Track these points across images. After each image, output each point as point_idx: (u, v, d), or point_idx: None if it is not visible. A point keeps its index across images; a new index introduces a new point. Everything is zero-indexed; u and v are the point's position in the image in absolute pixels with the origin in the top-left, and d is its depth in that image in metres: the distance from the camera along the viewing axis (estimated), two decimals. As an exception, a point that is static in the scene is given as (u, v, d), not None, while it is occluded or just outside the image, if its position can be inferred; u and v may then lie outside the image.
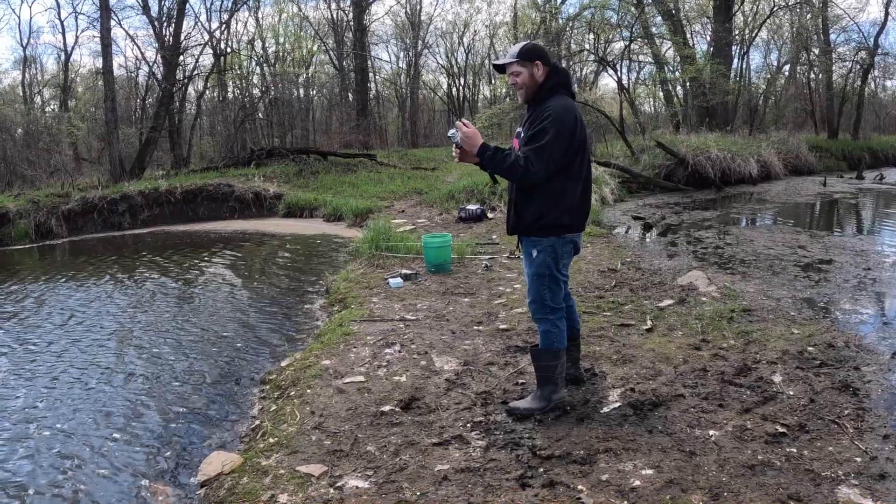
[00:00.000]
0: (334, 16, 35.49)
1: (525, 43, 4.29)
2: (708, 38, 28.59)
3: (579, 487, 3.40)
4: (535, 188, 4.06)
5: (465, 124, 4.09)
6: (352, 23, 33.11)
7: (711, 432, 3.89)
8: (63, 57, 34.42)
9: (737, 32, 26.81)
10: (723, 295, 6.86)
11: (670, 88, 27.94)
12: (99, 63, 27.68)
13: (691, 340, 5.46)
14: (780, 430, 3.89)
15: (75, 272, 12.35)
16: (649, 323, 5.97)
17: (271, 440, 4.36)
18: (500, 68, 4.31)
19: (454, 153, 4.21)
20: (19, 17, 64.84)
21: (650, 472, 3.50)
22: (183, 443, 4.92)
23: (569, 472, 3.55)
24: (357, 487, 3.63)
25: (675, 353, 5.20)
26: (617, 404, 4.35)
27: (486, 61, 38.52)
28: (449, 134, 4.20)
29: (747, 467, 3.50)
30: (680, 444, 3.76)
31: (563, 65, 25.48)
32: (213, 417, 5.33)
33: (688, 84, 25.54)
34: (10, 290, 11.10)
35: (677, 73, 26.57)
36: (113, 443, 5.01)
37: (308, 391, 5.00)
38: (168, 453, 4.77)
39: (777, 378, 4.64)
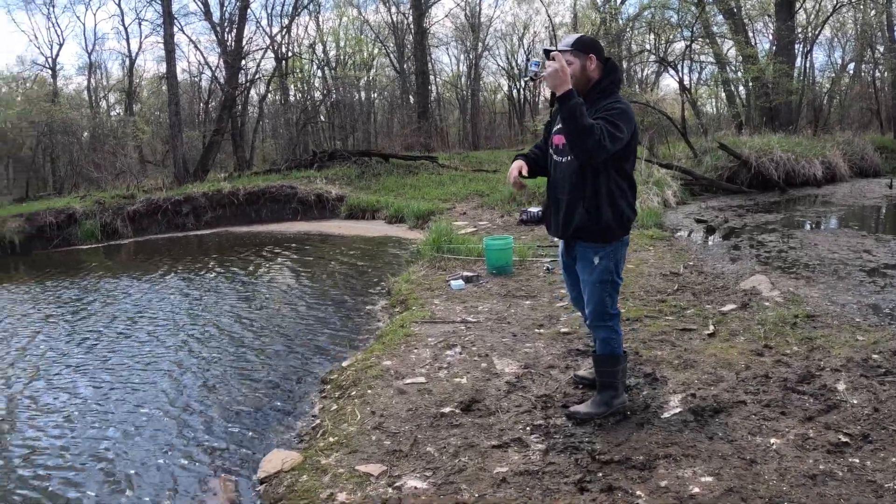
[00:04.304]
0: (394, 19, 35.78)
1: (582, 34, 4.22)
2: (770, 37, 28.02)
3: (638, 493, 3.40)
4: (595, 188, 3.96)
5: (556, 59, 3.77)
6: (412, 25, 33.30)
7: (772, 440, 3.84)
8: (127, 62, 35.45)
9: (799, 30, 26.18)
10: (786, 300, 6.74)
11: (732, 88, 27.44)
12: (162, 68, 28.36)
13: (754, 346, 5.39)
14: (843, 439, 3.81)
15: (141, 271, 12.71)
16: (711, 328, 5.91)
17: (331, 439, 4.43)
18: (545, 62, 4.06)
19: (527, 78, 3.97)
20: (84, 25, 66.58)
21: (709, 479, 3.48)
22: (244, 439, 5.04)
23: (627, 478, 3.55)
24: (416, 488, 3.67)
25: (737, 358, 5.14)
26: (678, 410, 4.32)
27: (524, 80, 38.33)
28: (531, 62, 3.98)
29: (808, 477, 3.45)
30: (740, 452, 3.72)
31: (624, 66, 25.33)
32: (275, 415, 5.43)
33: (750, 84, 25.03)
34: (79, 288, 11.49)
35: (739, 73, 26.08)
36: (176, 438, 5.17)
37: (369, 391, 5.07)
38: (229, 449, 4.89)
39: (841, 386, 4.56)
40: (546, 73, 3.76)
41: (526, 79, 3.95)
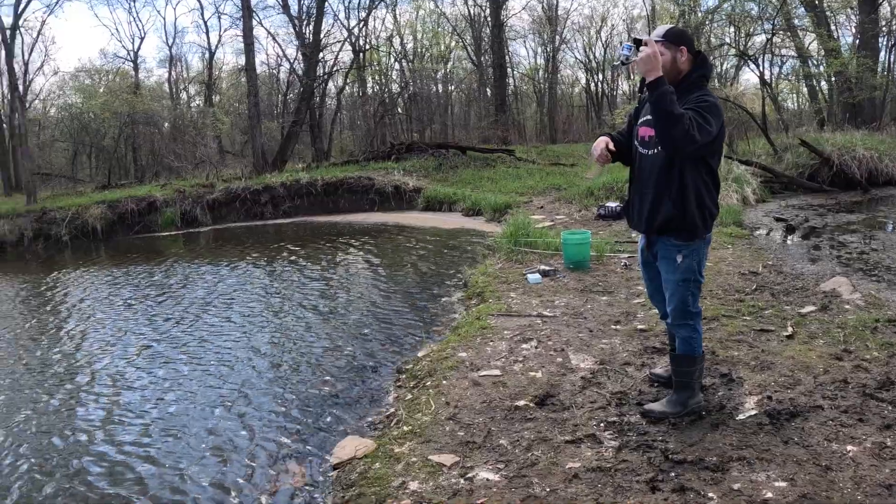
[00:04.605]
0: (471, 11, 35.81)
1: (673, 26, 4.18)
2: (853, 30, 27.04)
3: (710, 495, 3.40)
4: (682, 183, 3.93)
5: (649, 45, 3.76)
6: (489, 18, 33.29)
7: (849, 447, 3.77)
8: (207, 55, 36.47)
9: (883, 24, 25.17)
10: (867, 303, 6.58)
11: (814, 83, 26.62)
12: (241, 60, 29.13)
13: (833, 350, 5.29)
14: (923, 449, 3.75)
15: (220, 258, 13.11)
16: (790, 329, 5.81)
17: (405, 428, 4.52)
18: (640, 43, 3.93)
19: (618, 62, 3.94)
20: (164, 19, 69.30)
21: (783, 484, 3.46)
22: (319, 425, 5.18)
23: (700, 479, 3.55)
24: (487, 480, 3.72)
25: (815, 362, 5.06)
26: (753, 412, 4.29)
27: (616, 65, 37.85)
28: (624, 46, 3.92)
29: (884, 486, 3.39)
30: (816, 458, 3.68)
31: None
32: (349, 403, 5.57)
33: (832, 79, 24.25)
34: (161, 273, 11.97)
35: (821, 68, 25.28)
36: (252, 420, 5.37)
37: (444, 382, 5.15)
38: (304, 433, 5.05)
39: (923, 394, 4.46)
40: (639, 58, 3.75)
41: (617, 63, 3.98)
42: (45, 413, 5.91)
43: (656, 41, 3.92)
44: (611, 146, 4.21)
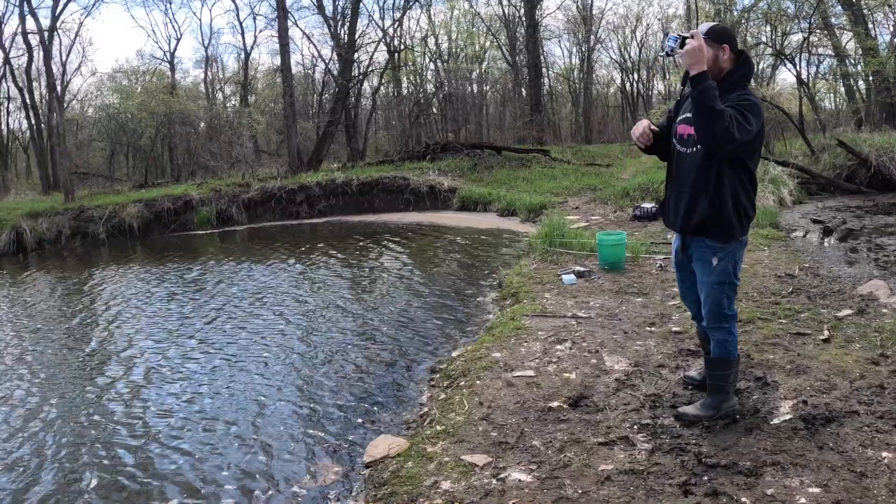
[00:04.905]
0: (505, 11, 35.80)
1: (716, 23, 4.16)
2: (891, 29, 26.58)
3: (743, 500, 3.39)
4: (720, 183, 3.91)
5: (695, 38, 3.75)
6: (523, 18, 33.24)
7: (884, 454, 3.73)
8: (243, 56, 36.98)
9: (922, 22, 24.81)
10: (907, 308, 6.51)
11: (852, 83, 26.20)
12: (277, 61, 29.42)
13: (869, 354, 5.23)
14: (961, 456, 3.71)
15: (255, 257, 13.27)
16: (826, 333, 5.76)
17: (438, 428, 4.55)
18: (682, 40, 3.90)
19: (663, 53, 3.91)
20: (200, 20, 70.21)
21: (817, 490, 3.44)
22: (352, 424, 5.24)
23: (733, 483, 3.54)
24: (519, 480, 3.74)
25: (851, 366, 5.00)
26: (788, 416, 4.26)
27: (660, 56, 37.58)
28: (669, 38, 3.89)
29: (920, 493, 3.36)
30: (850, 464, 3.65)
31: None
32: (383, 402, 5.63)
33: (870, 78, 23.86)
34: (197, 270, 12.17)
35: (859, 67, 24.87)
36: (286, 417, 5.46)
37: (477, 382, 5.18)
38: (337, 433, 5.11)
39: (962, 400, 4.41)
40: (684, 51, 3.74)
41: (662, 54, 3.96)
42: (81, 405, 6.06)
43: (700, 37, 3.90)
44: (652, 127, 4.16)
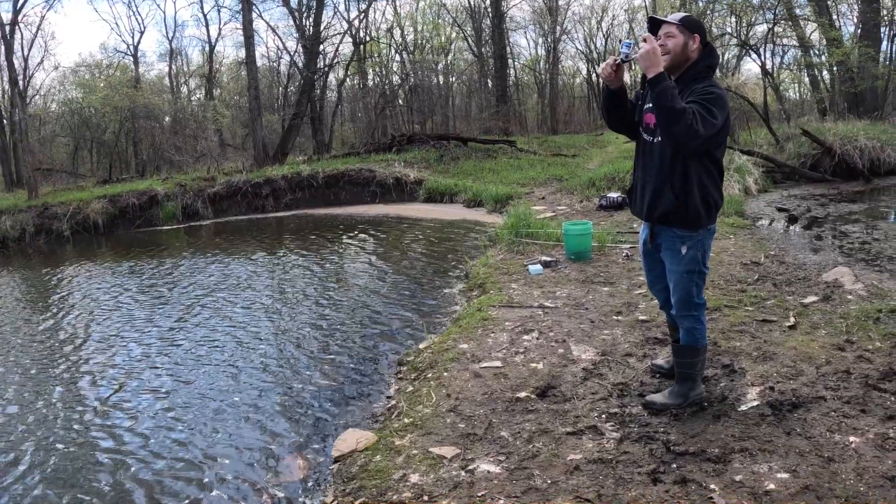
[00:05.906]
0: (471, 3, 35.75)
1: (690, 14, 4.13)
2: (854, 20, 26.94)
3: (712, 486, 3.39)
4: (685, 172, 3.89)
5: (648, 41, 3.73)
6: (489, 9, 33.21)
7: (852, 438, 3.76)
8: (207, 48, 36.45)
9: (885, 13, 25.10)
10: (870, 294, 6.55)
11: (816, 73, 26.54)
12: (242, 54, 29.08)
13: (835, 340, 5.27)
14: (927, 440, 3.72)
15: (221, 251, 13.14)
16: (792, 320, 5.79)
17: (406, 420, 4.52)
18: (656, 24, 4.00)
19: (611, 64, 3.92)
20: (164, 13, 69.37)
21: (785, 475, 3.45)
22: (319, 418, 5.18)
23: (702, 470, 3.54)
24: (488, 472, 3.72)
25: (817, 352, 5.03)
26: (755, 403, 4.27)
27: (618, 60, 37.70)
28: (623, 44, 3.88)
29: (887, 478, 3.37)
30: (818, 449, 3.66)
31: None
32: (350, 395, 5.57)
33: (834, 68, 24.19)
34: (162, 266, 11.96)
35: (823, 57, 25.18)
36: (253, 413, 5.37)
37: (445, 374, 5.15)
38: (304, 428, 5.04)
39: (926, 384, 4.44)
40: (638, 55, 3.73)
41: (617, 61, 3.90)
42: (50, 404, 5.92)
43: (672, 23, 3.92)
44: (617, 61, 3.99)
